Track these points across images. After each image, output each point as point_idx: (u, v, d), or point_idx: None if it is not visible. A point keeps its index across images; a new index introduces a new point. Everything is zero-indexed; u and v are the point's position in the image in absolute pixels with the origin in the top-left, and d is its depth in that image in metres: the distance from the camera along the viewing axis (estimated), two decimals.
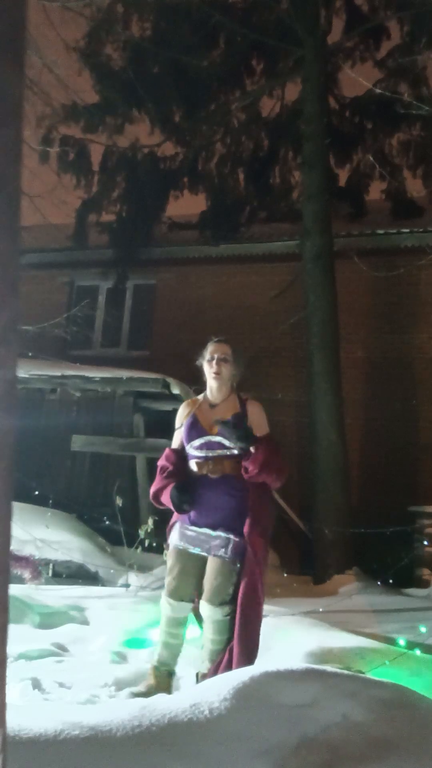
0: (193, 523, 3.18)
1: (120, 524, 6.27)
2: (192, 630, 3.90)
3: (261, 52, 10.82)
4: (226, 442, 3.15)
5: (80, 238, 11.37)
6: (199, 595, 3.24)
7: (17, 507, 5.97)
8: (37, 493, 6.63)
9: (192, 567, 3.20)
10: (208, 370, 3.27)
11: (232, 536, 3.09)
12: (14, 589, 4.56)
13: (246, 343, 10.64)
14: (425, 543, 7.77)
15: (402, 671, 3.30)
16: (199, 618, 3.36)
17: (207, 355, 3.30)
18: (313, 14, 9.58)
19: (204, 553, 3.16)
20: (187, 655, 3.55)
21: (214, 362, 3.25)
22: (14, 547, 5.49)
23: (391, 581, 6.47)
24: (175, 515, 3.31)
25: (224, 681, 2.21)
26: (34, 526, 6.18)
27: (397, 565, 5.84)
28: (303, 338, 9.40)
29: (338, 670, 2.51)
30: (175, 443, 3.38)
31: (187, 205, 13.46)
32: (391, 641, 3.96)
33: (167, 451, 3.38)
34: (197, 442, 3.22)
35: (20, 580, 5.00)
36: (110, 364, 9.54)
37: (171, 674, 3.24)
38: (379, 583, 6.44)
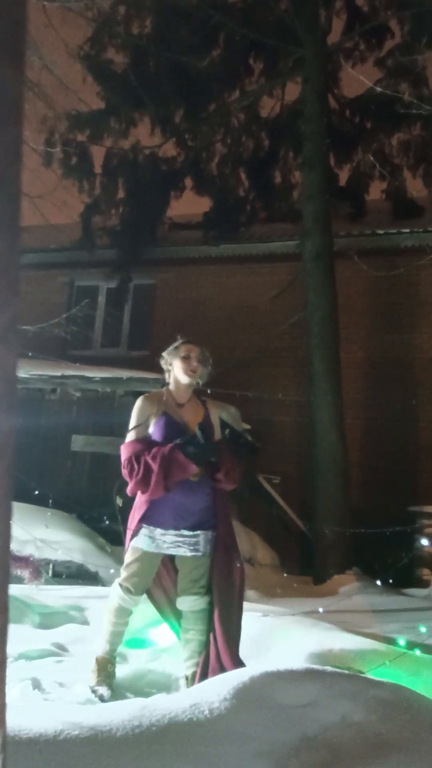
0: (174, 527, 3.17)
1: (120, 524, 6.27)
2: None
3: (261, 52, 10.83)
4: (203, 441, 3.18)
5: (87, 243, 11.37)
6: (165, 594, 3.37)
7: (17, 507, 5.97)
8: (37, 493, 6.62)
9: (153, 566, 3.29)
10: (185, 368, 3.25)
11: (207, 531, 3.20)
12: (14, 589, 4.56)
13: (246, 343, 10.65)
14: (425, 543, 7.77)
15: (402, 671, 3.29)
16: (172, 619, 3.39)
17: (182, 352, 3.28)
18: (313, 14, 9.58)
19: (172, 552, 3.23)
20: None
21: (193, 360, 3.26)
22: (14, 547, 5.48)
23: (391, 581, 6.47)
24: (136, 521, 3.26)
25: (224, 681, 2.21)
26: (34, 526, 6.18)
27: (397, 565, 5.84)
28: (303, 338, 9.40)
29: (338, 670, 2.51)
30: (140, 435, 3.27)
31: (186, 206, 13.48)
32: (391, 641, 3.96)
33: (133, 443, 3.21)
34: (170, 440, 3.19)
35: (20, 581, 4.99)
36: (110, 364, 9.55)
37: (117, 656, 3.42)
38: (379, 583, 6.44)
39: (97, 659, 3.31)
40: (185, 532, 3.18)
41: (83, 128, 10.88)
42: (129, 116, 10.90)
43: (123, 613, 3.34)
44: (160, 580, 3.39)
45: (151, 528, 3.21)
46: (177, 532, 3.18)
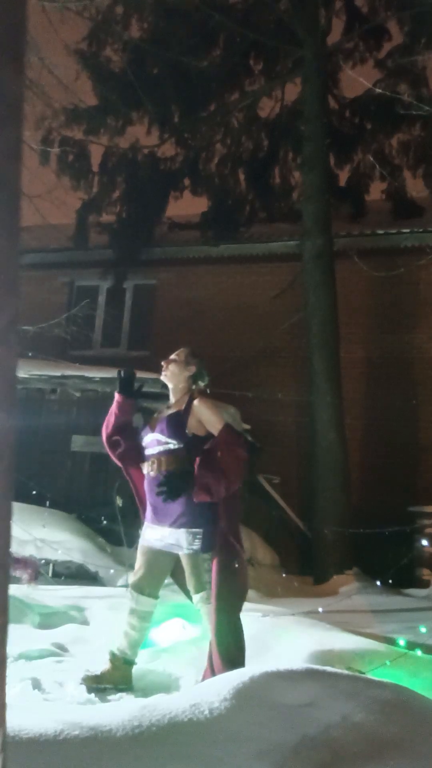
0: (152, 521, 3.28)
1: (120, 524, 6.27)
2: (191, 630, 3.91)
3: (261, 53, 10.83)
4: (163, 438, 3.22)
5: (80, 239, 11.37)
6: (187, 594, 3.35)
7: (17, 507, 5.97)
8: (36, 493, 6.62)
9: (156, 563, 3.29)
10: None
11: (194, 529, 3.14)
12: (14, 589, 4.56)
13: (246, 343, 10.65)
14: (425, 543, 7.77)
15: (402, 671, 3.29)
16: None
17: None
18: (313, 14, 9.59)
19: (173, 551, 3.23)
20: (187, 655, 3.56)
21: (163, 362, 3.44)
22: (14, 547, 5.48)
23: (391, 581, 6.47)
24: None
25: (224, 681, 2.21)
26: (34, 527, 6.18)
27: (397, 565, 5.84)
28: (303, 338, 9.40)
29: (338, 670, 2.51)
30: None
31: (187, 206, 13.48)
32: (391, 641, 3.96)
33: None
34: (144, 442, 3.34)
35: (19, 582, 4.99)
36: (110, 364, 9.54)
37: (128, 663, 3.29)
38: (379, 583, 6.44)
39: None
40: (165, 528, 3.20)
41: (79, 122, 10.87)
42: (126, 114, 10.89)
43: (129, 613, 3.31)
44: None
45: (146, 522, 3.33)
46: (155, 525, 3.25)
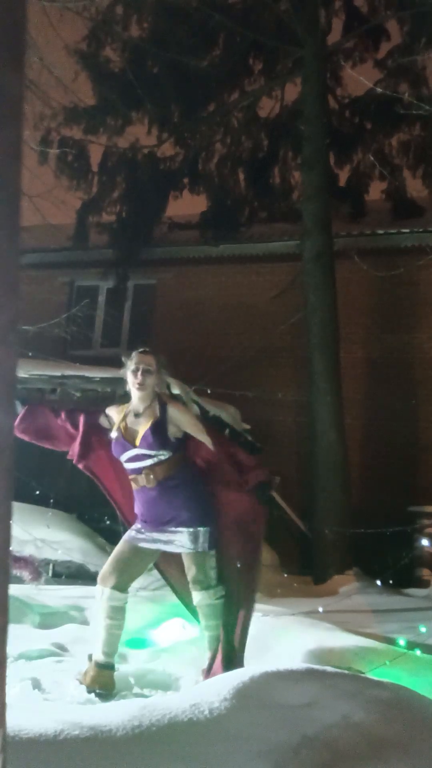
0: (150, 530, 3.26)
1: (120, 524, 6.26)
2: (191, 630, 3.91)
3: (260, 53, 10.82)
4: (152, 452, 3.18)
5: (80, 239, 11.37)
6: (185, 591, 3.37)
7: (17, 507, 5.96)
8: (37, 493, 6.62)
9: (136, 561, 3.29)
10: (132, 381, 3.26)
11: (199, 528, 3.18)
12: (14, 589, 4.56)
13: (246, 343, 10.65)
14: (425, 543, 7.76)
15: (402, 671, 3.29)
16: (195, 614, 3.40)
17: (132, 365, 3.28)
18: (313, 14, 9.58)
19: (169, 551, 3.28)
20: (187, 655, 3.56)
21: (139, 373, 3.23)
22: (14, 547, 5.48)
23: (391, 581, 6.46)
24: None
25: (224, 681, 2.22)
26: (34, 526, 6.18)
27: (397, 565, 5.84)
28: (303, 338, 9.40)
29: (338, 670, 2.52)
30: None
31: (187, 205, 13.47)
32: (391, 641, 3.96)
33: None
34: (125, 457, 3.25)
35: (20, 581, 4.99)
36: (110, 364, 9.53)
37: (100, 666, 3.20)
38: (379, 583, 6.44)
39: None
40: (162, 531, 3.22)
41: (79, 122, 10.86)
42: (126, 114, 10.89)
43: (100, 611, 3.25)
44: (179, 577, 3.42)
45: (137, 524, 3.33)
46: (150, 532, 3.25)
